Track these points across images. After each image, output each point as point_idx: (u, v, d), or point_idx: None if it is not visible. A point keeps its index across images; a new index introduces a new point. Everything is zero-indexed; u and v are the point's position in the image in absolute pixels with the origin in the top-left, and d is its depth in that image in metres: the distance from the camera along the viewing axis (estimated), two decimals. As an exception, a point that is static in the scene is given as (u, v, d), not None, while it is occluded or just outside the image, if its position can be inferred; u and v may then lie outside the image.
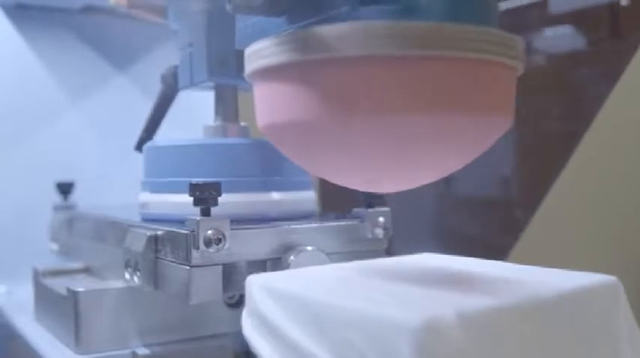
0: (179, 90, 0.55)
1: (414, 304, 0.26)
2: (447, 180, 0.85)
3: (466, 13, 0.29)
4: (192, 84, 0.51)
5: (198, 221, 0.37)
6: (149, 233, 0.41)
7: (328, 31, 0.28)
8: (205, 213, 0.38)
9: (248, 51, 0.33)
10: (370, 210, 0.44)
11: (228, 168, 0.45)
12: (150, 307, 0.45)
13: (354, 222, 0.44)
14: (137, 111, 0.68)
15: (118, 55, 0.77)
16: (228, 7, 0.31)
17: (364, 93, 0.28)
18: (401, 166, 0.31)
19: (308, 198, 0.49)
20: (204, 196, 0.37)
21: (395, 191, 0.34)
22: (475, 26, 0.28)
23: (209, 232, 0.37)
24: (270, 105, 0.32)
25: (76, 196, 0.65)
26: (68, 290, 0.45)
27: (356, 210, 0.45)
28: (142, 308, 0.45)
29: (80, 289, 0.44)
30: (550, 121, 0.64)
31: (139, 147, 0.55)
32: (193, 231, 0.37)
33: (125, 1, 0.57)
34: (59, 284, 0.49)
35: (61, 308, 0.47)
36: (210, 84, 0.51)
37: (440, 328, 0.24)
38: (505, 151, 0.75)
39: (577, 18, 0.64)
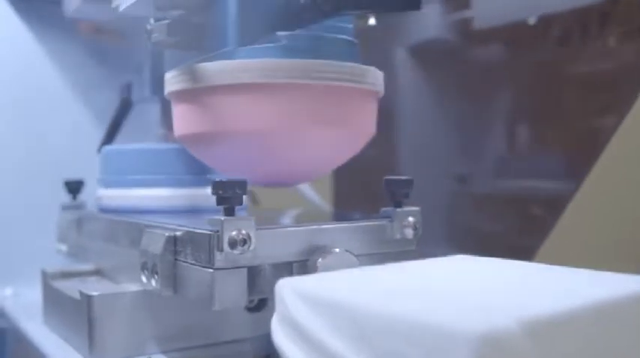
0: (134, 103, 0.66)
1: (469, 311, 0.24)
2: (463, 179, 0.83)
3: (327, 52, 0.41)
4: (142, 99, 0.64)
5: (222, 221, 0.35)
6: (167, 233, 0.39)
7: (209, 66, 0.41)
8: (229, 212, 0.36)
9: (165, 77, 0.45)
10: (399, 209, 0.42)
11: (165, 168, 0.54)
12: (167, 311, 0.43)
13: (383, 222, 0.42)
14: (148, 107, 0.67)
15: (126, 49, 0.74)
16: (148, 43, 0.44)
17: (247, 113, 0.40)
18: (272, 168, 0.43)
19: None
20: (228, 195, 0.35)
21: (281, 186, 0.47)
22: (332, 61, 0.40)
23: (234, 233, 0.35)
24: (180, 120, 0.44)
25: (84, 195, 0.63)
26: (81, 293, 0.43)
27: (384, 209, 0.42)
28: (158, 312, 0.43)
29: (94, 293, 0.42)
30: (581, 116, 0.62)
31: (99, 150, 0.62)
32: (217, 232, 0.35)
33: (92, 28, 0.70)
34: (70, 287, 0.47)
35: (74, 312, 0.44)
36: (156, 98, 0.61)
37: (502, 338, 0.22)
38: (531, 149, 0.73)
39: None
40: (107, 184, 0.56)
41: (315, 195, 0.87)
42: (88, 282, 0.50)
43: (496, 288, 0.28)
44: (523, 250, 0.59)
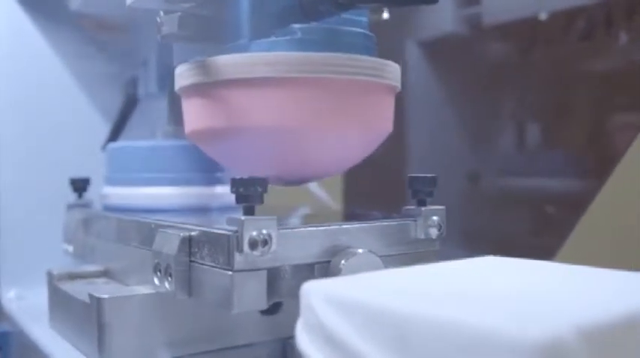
0: (139, 99, 0.64)
1: (524, 316, 0.22)
2: (476, 178, 0.81)
3: (342, 45, 0.40)
4: (147, 94, 0.62)
5: (242, 221, 0.33)
6: (182, 234, 0.37)
7: (223, 59, 0.39)
8: (249, 211, 0.34)
9: (176, 72, 0.43)
10: (424, 208, 0.40)
11: (173, 165, 0.53)
12: (179, 315, 0.41)
13: (407, 221, 0.40)
14: (153, 104, 0.65)
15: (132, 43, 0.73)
16: (158, 37, 0.42)
17: (261, 108, 0.38)
18: (287, 165, 0.41)
19: None
20: (249, 193, 0.33)
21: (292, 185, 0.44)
22: (349, 54, 0.39)
23: (254, 233, 0.33)
24: (191, 115, 0.43)
25: (91, 194, 0.61)
26: (91, 296, 0.41)
27: (407, 208, 0.41)
28: (171, 315, 0.41)
29: (104, 295, 0.40)
30: (608, 112, 0.60)
31: (104, 148, 0.61)
32: (237, 232, 0.33)
33: (94, 24, 0.69)
34: (77, 289, 0.46)
35: (82, 315, 0.43)
36: (163, 94, 0.59)
37: (564, 345, 0.20)
38: (546, 147, 0.72)
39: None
40: (113, 182, 0.55)
41: (324, 193, 0.85)
42: (96, 284, 0.48)
43: (540, 291, 0.27)
44: (541, 250, 0.57)
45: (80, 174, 0.61)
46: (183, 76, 0.42)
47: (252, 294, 0.34)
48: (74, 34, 0.71)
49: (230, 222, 0.34)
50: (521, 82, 0.74)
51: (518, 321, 0.21)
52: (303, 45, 0.39)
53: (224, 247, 0.34)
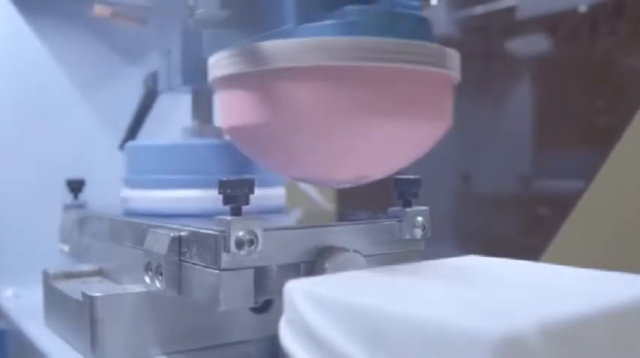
0: (159, 93, 0.59)
1: (489, 314, 0.23)
2: (467, 178, 0.82)
3: (400, 29, 0.34)
4: (170, 88, 0.56)
5: (229, 221, 0.34)
6: (172, 234, 0.39)
7: (272, 45, 0.34)
8: (236, 212, 0.35)
9: (210, 61, 0.38)
10: (409, 209, 0.41)
11: (201, 166, 0.48)
12: (170, 313, 0.42)
13: (392, 222, 0.41)
14: (169, 98, 0.66)
15: (129, 47, 0.74)
16: (190, 22, 0.36)
17: (310, 101, 0.33)
18: (347, 164, 0.36)
19: (278, 194, 0.52)
20: (236, 194, 0.34)
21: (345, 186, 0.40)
22: (409, 40, 0.34)
23: (240, 233, 0.34)
24: (229, 109, 0.38)
25: (87, 195, 0.62)
26: (84, 294, 0.42)
27: (392, 209, 0.42)
28: (162, 314, 0.42)
29: (97, 294, 0.41)
30: (590, 115, 0.61)
31: (122, 146, 0.57)
32: (223, 232, 0.34)
33: (108, 12, 0.62)
34: (72, 288, 0.47)
35: (76, 313, 0.44)
36: (187, 88, 0.55)
37: (523, 341, 0.21)
38: (539, 147, 0.73)
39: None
40: (134, 184, 0.51)
41: (318, 194, 0.86)
42: (90, 283, 0.49)
43: (512, 290, 0.28)
44: (529, 250, 0.58)
45: (76, 174, 0.63)
46: (222, 64, 0.37)
47: (238, 292, 0.35)
48: (69, 35, 0.71)
49: (217, 222, 0.35)
50: (512, 81, 0.75)
51: (482, 318, 0.22)
52: (358, 29, 0.33)
53: (212, 247, 0.35)
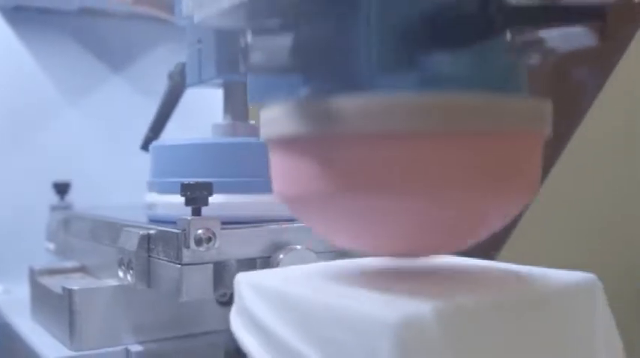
0: (186, 87, 0.53)
1: (393, 300, 0.27)
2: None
3: (495, 80, 0.29)
4: (200, 81, 0.50)
5: (189, 220, 0.38)
6: (142, 232, 0.42)
7: (349, 104, 0.27)
8: (196, 212, 0.39)
9: (264, 115, 0.31)
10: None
11: (237, 168, 0.44)
12: (143, 305, 0.46)
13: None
14: (134, 112, 0.70)
15: (115, 56, 0.78)
16: (242, 67, 0.28)
17: (387, 171, 0.27)
18: (421, 239, 0.30)
19: None
20: (195, 196, 0.38)
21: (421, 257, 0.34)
22: (507, 97, 0.28)
23: (199, 231, 0.38)
24: (284, 174, 0.31)
25: (74, 196, 0.66)
26: (63, 288, 0.46)
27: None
28: (135, 305, 0.46)
29: (75, 287, 0.45)
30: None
31: (145, 146, 0.54)
32: (184, 230, 0.38)
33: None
34: (55, 283, 0.50)
35: (57, 306, 0.47)
36: (219, 81, 0.50)
37: (418, 323, 0.25)
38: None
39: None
40: (163, 189, 0.46)
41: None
42: (72, 278, 0.53)
43: (427, 281, 0.31)
44: (484, 249, 0.61)
45: (64, 177, 0.66)
46: (280, 121, 0.29)
47: (199, 285, 0.39)
48: (59, 45, 0.75)
49: (180, 222, 0.39)
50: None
51: (387, 305, 0.26)
52: (449, 83, 0.27)
53: (174, 243, 0.39)
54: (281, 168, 0.31)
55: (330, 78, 0.29)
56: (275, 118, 0.30)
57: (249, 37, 0.28)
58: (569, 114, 0.60)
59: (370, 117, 0.26)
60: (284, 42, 0.28)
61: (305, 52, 0.29)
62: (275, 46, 0.28)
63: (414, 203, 0.28)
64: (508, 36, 0.28)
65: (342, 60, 0.29)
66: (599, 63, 0.58)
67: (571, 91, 0.61)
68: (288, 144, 0.30)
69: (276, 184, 0.32)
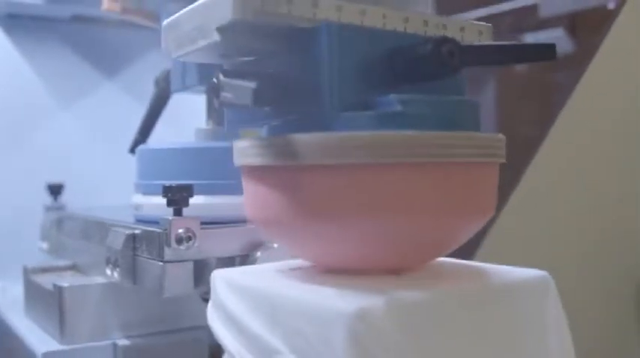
0: (172, 93, 0.56)
1: (350, 294, 0.29)
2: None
3: (447, 120, 0.31)
4: (184, 87, 0.53)
5: (170, 220, 0.40)
6: (128, 232, 0.45)
7: (309, 139, 0.29)
8: (177, 213, 0.41)
9: (237, 146, 0.34)
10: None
11: (219, 170, 0.46)
12: (130, 301, 0.48)
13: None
14: (126, 116, 0.72)
15: (107, 61, 0.80)
16: (216, 103, 0.32)
17: (343, 198, 0.30)
18: (382, 258, 0.33)
19: None
20: (176, 197, 0.40)
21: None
22: (453, 132, 0.30)
23: (180, 231, 0.40)
24: (253, 200, 0.34)
25: (68, 197, 0.68)
26: (54, 285, 0.48)
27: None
28: (122, 302, 0.48)
29: (65, 284, 0.47)
30: (513, 125, 0.66)
31: (133, 149, 0.56)
32: (166, 230, 0.40)
33: (118, 7, 0.59)
34: (47, 281, 0.52)
35: (48, 302, 0.50)
36: (202, 87, 0.52)
37: (371, 314, 0.27)
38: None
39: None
40: (148, 190, 0.48)
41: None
42: (63, 276, 0.55)
43: (387, 277, 0.33)
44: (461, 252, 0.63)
45: (58, 178, 0.69)
46: (248, 153, 0.33)
47: (180, 281, 0.41)
48: (51, 49, 0.77)
49: (162, 222, 0.41)
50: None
51: (344, 298, 0.28)
52: (406, 121, 0.29)
53: (157, 242, 0.41)
54: (252, 194, 0.34)
55: (297, 114, 0.32)
56: (247, 148, 0.33)
57: (221, 77, 0.31)
58: (539, 119, 0.62)
59: (327, 152, 0.29)
60: (252, 80, 0.30)
61: (271, 89, 0.31)
62: (243, 85, 0.30)
63: (370, 226, 0.30)
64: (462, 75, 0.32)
65: (306, 98, 0.31)
66: (571, 67, 0.61)
67: (542, 95, 0.63)
68: (258, 172, 0.33)
69: (248, 208, 0.35)
